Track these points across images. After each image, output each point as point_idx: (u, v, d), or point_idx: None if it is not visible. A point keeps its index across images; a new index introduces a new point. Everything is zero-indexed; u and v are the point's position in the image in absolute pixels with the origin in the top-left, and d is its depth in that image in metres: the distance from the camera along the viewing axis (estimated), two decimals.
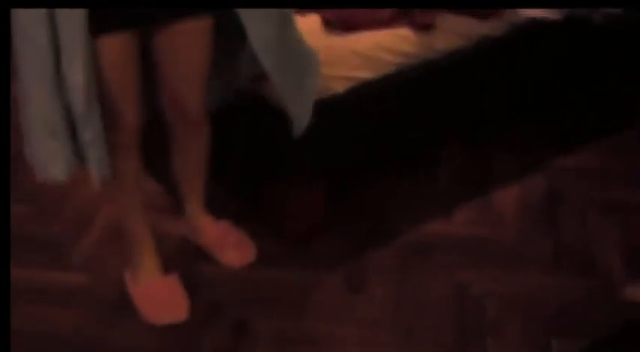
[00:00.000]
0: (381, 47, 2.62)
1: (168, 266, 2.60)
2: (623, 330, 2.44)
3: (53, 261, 2.74)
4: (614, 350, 2.39)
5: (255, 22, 2.17)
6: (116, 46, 2.13)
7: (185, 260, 2.71)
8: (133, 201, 2.47)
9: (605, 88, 3.37)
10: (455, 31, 2.75)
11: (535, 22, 2.87)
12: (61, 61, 2.04)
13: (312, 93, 2.43)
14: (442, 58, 2.73)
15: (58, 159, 2.20)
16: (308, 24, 2.66)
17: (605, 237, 2.77)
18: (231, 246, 2.73)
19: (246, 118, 2.68)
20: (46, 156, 2.21)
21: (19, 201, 2.96)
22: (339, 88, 2.57)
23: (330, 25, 2.65)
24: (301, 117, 2.40)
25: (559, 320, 2.49)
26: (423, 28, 2.69)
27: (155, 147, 2.55)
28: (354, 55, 2.58)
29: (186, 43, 2.27)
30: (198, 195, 2.72)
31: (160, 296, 2.54)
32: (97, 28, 2.04)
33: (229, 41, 2.37)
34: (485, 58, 2.84)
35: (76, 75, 2.03)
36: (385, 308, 2.54)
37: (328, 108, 2.54)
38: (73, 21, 1.98)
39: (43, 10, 1.98)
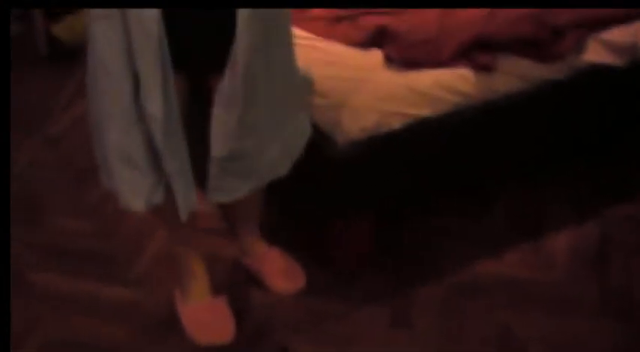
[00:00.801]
0: (440, 86, 2.64)
1: (217, 287, 2.65)
2: None
3: (109, 276, 2.82)
4: None
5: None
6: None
7: (235, 283, 2.76)
8: (183, 225, 2.49)
9: None
10: (515, 73, 2.76)
11: (597, 68, 2.86)
12: (140, 92, 2.04)
13: (303, 130, 2.41)
14: (501, 99, 2.74)
15: (139, 190, 2.19)
16: (369, 58, 2.71)
17: None
18: (281, 273, 2.76)
19: None
20: (127, 187, 2.20)
21: (81, 217, 3.07)
22: (396, 123, 2.60)
23: (391, 62, 2.69)
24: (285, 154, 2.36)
25: None
26: (483, 68, 2.70)
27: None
28: (412, 92, 2.61)
29: None
30: (253, 220, 2.74)
31: (206, 317, 2.59)
32: None
33: None
34: (544, 101, 2.84)
35: (154, 105, 2.02)
36: (428, 346, 2.55)
37: (384, 143, 2.58)
38: (150, 52, 1.97)
39: (122, 43, 1.99)
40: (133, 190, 2.19)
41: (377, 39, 2.80)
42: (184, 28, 2.01)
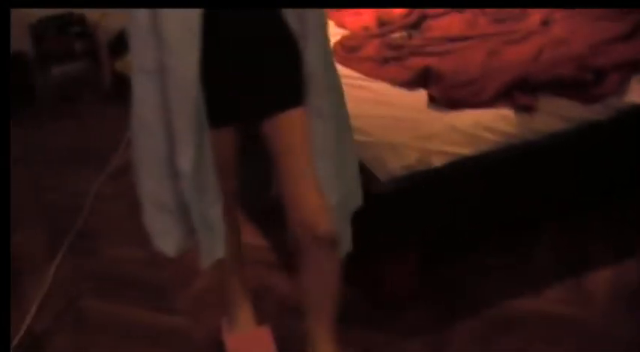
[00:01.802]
0: (482, 125, 2.71)
1: (264, 318, 2.72)
2: None
3: (159, 304, 2.93)
4: None
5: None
6: (221, 140, 2.18)
7: (281, 314, 2.83)
8: (231, 261, 2.55)
9: None
10: (556, 114, 2.82)
11: (638, 109, 2.90)
12: (174, 147, 2.09)
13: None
14: (542, 139, 2.80)
15: (169, 235, 2.25)
16: (413, 98, 2.80)
17: None
18: None
19: None
20: (158, 229, 2.26)
21: (135, 245, 3.17)
22: (438, 162, 2.67)
23: (434, 102, 2.78)
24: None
25: None
26: (525, 109, 2.77)
27: (261, 203, 2.69)
28: (454, 131, 2.68)
29: (292, 134, 2.19)
30: (327, 320, 2.47)
31: (249, 346, 2.66)
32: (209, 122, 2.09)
33: None
34: (585, 141, 2.89)
35: (185, 162, 2.07)
36: None
37: (425, 180, 2.65)
38: (186, 111, 2.02)
39: (158, 99, 2.04)
40: (165, 234, 2.26)
41: (422, 79, 2.90)
42: (226, 83, 2.07)
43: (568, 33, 3.23)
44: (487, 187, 2.82)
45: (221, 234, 2.22)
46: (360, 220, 2.80)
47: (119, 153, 3.82)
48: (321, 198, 2.17)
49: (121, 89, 4.25)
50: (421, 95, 2.82)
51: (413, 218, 2.75)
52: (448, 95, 2.78)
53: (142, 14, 1.99)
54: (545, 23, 3.39)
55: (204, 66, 1.99)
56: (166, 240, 2.26)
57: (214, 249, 2.23)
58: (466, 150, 2.70)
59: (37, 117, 4.34)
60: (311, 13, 2.05)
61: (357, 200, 2.36)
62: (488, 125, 2.72)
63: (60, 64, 4.51)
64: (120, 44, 4.17)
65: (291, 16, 2.03)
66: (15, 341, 2.71)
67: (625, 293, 2.91)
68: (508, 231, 3.13)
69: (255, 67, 2.08)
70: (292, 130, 2.17)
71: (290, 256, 2.46)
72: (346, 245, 2.30)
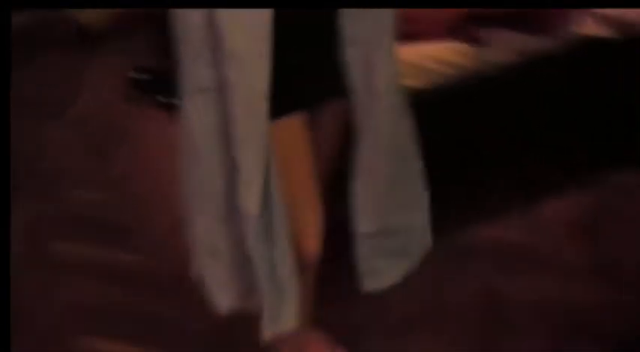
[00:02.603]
0: (433, 58, 2.73)
1: None
2: None
3: (122, 244, 2.94)
4: None
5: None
6: (291, 132, 1.81)
7: None
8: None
9: None
10: (508, 47, 2.84)
11: (588, 39, 2.93)
12: (235, 188, 1.77)
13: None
14: (493, 71, 2.82)
15: (226, 289, 1.94)
16: None
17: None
18: None
19: None
20: (213, 282, 1.96)
21: (97, 189, 3.22)
22: None
23: None
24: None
25: (586, 328, 2.55)
26: (476, 41, 2.79)
27: None
28: (404, 64, 2.69)
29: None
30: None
31: None
32: (274, 112, 1.74)
33: None
34: (538, 74, 2.93)
35: (250, 201, 1.74)
36: (416, 308, 2.62)
37: None
38: (255, 136, 1.71)
39: (218, 126, 1.75)
40: (218, 288, 1.95)
41: None
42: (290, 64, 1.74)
43: None
44: (441, 120, 2.83)
45: (293, 297, 1.86)
46: None
47: (78, 102, 3.83)
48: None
49: (83, 40, 4.28)
50: None
51: None
52: (400, 29, 2.79)
53: (194, 25, 1.69)
54: None
55: None
56: (220, 293, 1.95)
57: (282, 316, 1.88)
58: (416, 83, 2.70)
59: None
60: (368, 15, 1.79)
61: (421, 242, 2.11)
62: (438, 57, 2.74)
63: (22, 14, 4.49)
64: None
65: (346, 18, 1.77)
66: None
67: (579, 221, 2.96)
68: (464, 163, 3.17)
69: (314, 53, 1.80)
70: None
71: None
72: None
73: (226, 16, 1.64)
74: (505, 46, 2.84)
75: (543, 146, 3.22)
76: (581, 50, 2.94)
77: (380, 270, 2.03)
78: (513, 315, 2.59)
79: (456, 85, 2.77)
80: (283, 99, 1.73)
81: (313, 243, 1.91)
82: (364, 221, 1.95)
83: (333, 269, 2.17)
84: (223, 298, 1.96)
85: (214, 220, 1.86)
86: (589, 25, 2.94)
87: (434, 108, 2.78)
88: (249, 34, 1.65)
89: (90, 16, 4.27)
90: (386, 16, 1.84)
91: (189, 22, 1.70)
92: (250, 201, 1.73)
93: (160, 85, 3.71)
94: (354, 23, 1.77)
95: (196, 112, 1.79)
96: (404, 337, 2.52)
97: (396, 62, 1.94)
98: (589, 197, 3.07)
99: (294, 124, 1.80)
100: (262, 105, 1.69)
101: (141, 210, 3.12)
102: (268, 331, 1.88)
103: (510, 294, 2.66)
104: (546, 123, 3.18)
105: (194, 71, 1.76)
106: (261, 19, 1.64)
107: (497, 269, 2.75)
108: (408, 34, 2.75)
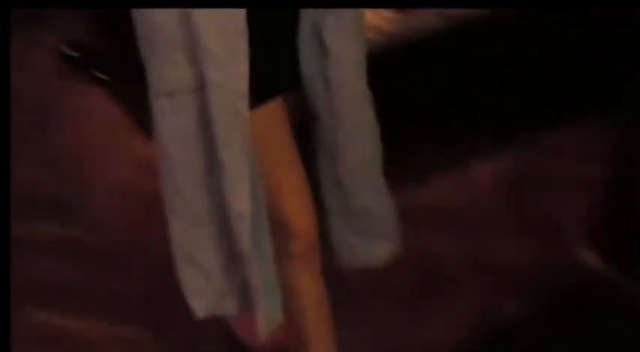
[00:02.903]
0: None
1: None
2: (577, 292, 2.58)
3: (61, 218, 2.94)
4: (567, 311, 2.53)
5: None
6: (272, 117, 1.79)
7: None
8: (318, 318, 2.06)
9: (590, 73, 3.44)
10: (433, 11, 2.87)
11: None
12: (220, 190, 1.70)
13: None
14: (419, 36, 2.87)
15: (201, 295, 1.85)
16: None
17: (569, 209, 2.90)
18: None
19: None
20: (189, 287, 1.86)
21: (33, 165, 3.19)
22: None
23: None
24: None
25: (516, 285, 2.62)
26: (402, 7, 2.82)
27: None
28: None
29: None
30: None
31: None
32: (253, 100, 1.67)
33: None
34: (464, 36, 2.98)
35: (241, 202, 1.67)
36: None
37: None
38: (237, 136, 1.64)
39: (193, 128, 1.67)
40: (194, 293, 1.86)
41: None
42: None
43: None
44: (368, 86, 2.86)
45: (279, 291, 1.84)
46: None
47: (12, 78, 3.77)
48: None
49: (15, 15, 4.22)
50: None
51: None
52: None
53: (161, 26, 1.61)
54: None
55: None
56: (196, 299, 1.87)
57: (275, 312, 1.85)
58: None
59: None
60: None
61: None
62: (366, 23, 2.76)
63: None
64: None
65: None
66: None
67: (505, 182, 3.03)
68: (392, 128, 3.20)
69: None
70: None
71: None
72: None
73: (202, 13, 1.57)
74: (431, 11, 2.87)
75: (472, 108, 3.27)
76: (508, 13, 2.98)
77: (355, 247, 1.99)
78: (445, 276, 2.65)
79: (382, 50, 2.79)
80: (259, 87, 1.67)
81: (310, 223, 1.89)
82: (331, 198, 1.92)
83: None
84: (198, 304, 1.87)
85: (187, 225, 1.79)
86: None
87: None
88: (226, 30, 1.59)
89: None
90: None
91: (156, 22, 1.62)
92: (241, 200, 1.67)
93: (92, 60, 3.70)
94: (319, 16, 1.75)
95: (165, 117, 1.70)
96: (340, 303, 2.56)
97: (362, 48, 1.90)
98: (517, 157, 3.14)
99: (273, 109, 1.78)
100: (245, 102, 1.63)
101: (78, 185, 3.12)
102: (265, 330, 1.82)
103: (441, 255, 2.72)
104: (474, 85, 3.24)
105: (161, 73, 1.67)
106: (237, 14, 1.58)
107: (428, 230, 2.80)
108: None
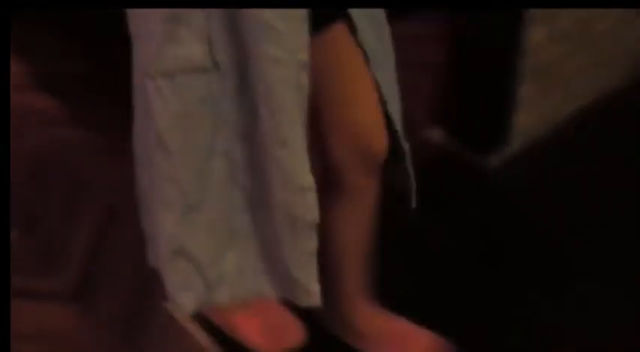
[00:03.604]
0: None
1: None
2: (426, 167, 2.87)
3: None
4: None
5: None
6: (339, 39, 1.62)
7: None
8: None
9: None
10: None
11: None
12: (283, 166, 1.59)
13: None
14: None
15: (190, 286, 1.75)
16: None
17: (413, 91, 2.98)
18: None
19: None
20: (176, 278, 1.75)
21: None
22: None
23: None
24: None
25: None
26: None
27: None
28: None
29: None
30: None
31: None
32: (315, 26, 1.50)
33: None
34: None
35: (306, 176, 1.60)
36: None
37: None
38: (297, 112, 1.54)
39: (207, 114, 1.55)
40: (183, 284, 1.75)
41: None
42: None
43: None
44: None
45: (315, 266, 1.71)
46: None
47: None
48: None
49: None
50: None
51: None
52: None
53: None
54: None
55: None
56: (183, 290, 1.76)
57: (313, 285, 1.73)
58: None
59: None
60: None
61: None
62: None
63: None
64: None
65: None
66: None
67: None
68: None
69: None
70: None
71: None
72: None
73: None
74: None
75: None
76: None
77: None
78: None
79: None
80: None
81: (382, 139, 1.80)
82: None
83: None
84: (185, 295, 1.78)
85: (183, 218, 1.66)
86: None
87: None
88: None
89: None
90: None
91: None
92: (306, 173, 1.59)
93: None
94: None
95: (163, 98, 1.54)
96: None
97: None
98: None
99: (337, 31, 1.63)
100: (306, 74, 1.52)
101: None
102: (310, 303, 1.75)
103: None
104: None
105: (158, 52, 1.49)
106: None
107: None
108: None
